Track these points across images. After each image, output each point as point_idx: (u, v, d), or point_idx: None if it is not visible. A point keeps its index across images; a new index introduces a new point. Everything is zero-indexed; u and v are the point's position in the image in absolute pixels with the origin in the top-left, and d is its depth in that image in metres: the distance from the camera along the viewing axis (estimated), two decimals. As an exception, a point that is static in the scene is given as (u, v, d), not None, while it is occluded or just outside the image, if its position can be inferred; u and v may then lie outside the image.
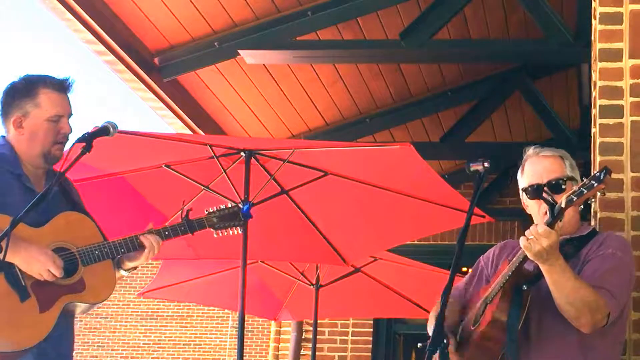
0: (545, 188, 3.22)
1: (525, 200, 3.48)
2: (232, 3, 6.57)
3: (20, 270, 3.35)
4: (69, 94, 3.59)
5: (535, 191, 3.38)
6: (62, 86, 3.57)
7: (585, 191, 3.03)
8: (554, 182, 3.37)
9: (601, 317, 3.19)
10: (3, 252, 3.13)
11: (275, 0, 6.67)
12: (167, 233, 3.66)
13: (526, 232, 3.12)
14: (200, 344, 18.94)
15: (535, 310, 3.25)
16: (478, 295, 3.46)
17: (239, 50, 6.72)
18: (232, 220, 3.91)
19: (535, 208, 3.42)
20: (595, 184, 3.02)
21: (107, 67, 6.63)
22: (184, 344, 19.01)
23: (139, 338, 19.13)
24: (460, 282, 3.65)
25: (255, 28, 6.75)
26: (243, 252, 5.15)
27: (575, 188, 3.07)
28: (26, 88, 3.53)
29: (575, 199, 3.03)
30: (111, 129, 3.51)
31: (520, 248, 3.18)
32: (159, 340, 19.08)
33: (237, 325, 5.23)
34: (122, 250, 3.54)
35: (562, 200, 3.06)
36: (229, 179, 5.26)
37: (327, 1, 6.71)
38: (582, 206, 3.23)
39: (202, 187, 5.47)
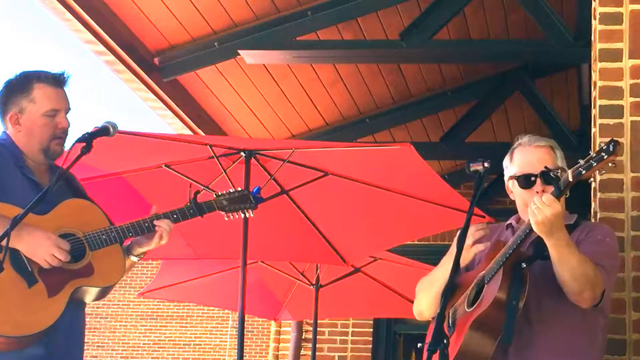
0: (547, 168, 3.14)
1: (513, 188, 3.47)
2: (232, 3, 6.56)
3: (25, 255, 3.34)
4: (65, 88, 3.57)
5: (527, 181, 3.37)
6: (57, 80, 3.55)
7: (595, 164, 2.93)
8: (548, 173, 3.31)
9: (599, 292, 3.21)
10: (3, 252, 3.12)
11: (275, 0, 6.67)
12: (175, 216, 3.63)
13: (531, 203, 3.10)
14: (200, 344, 18.94)
15: (533, 292, 3.23)
16: (467, 278, 3.43)
17: (239, 50, 6.71)
18: (243, 202, 3.88)
19: (523, 197, 3.40)
20: (605, 156, 2.92)
21: (107, 67, 6.63)
22: (184, 344, 19.01)
23: (139, 338, 19.13)
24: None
25: (255, 28, 6.75)
26: (243, 252, 5.16)
27: (581, 161, 2.97)
28: (21, 84, 3.52)
29: (583, 172, 2.96)
30: (111, 129, 3.51)
31: (519, 227, 3.20)
32: (159, 340, 19.08)
33: (237, 325, 5.23)
34: (130, 233, 3.53)
35: (568, 172, 3.01)
36: (229, 179, 5.26)
37: (327, 1, 6.70)
38: (567, 194, 3.23)
39: (202, 187, 5.46)
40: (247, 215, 3.93)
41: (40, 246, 3.32)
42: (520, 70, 8.08)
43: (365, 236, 6.01)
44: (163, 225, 3.58)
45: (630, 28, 4.12)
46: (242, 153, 5.25)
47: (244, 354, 5.57)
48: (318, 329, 8.05)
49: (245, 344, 5.92)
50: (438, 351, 2.93)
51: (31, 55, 35.60)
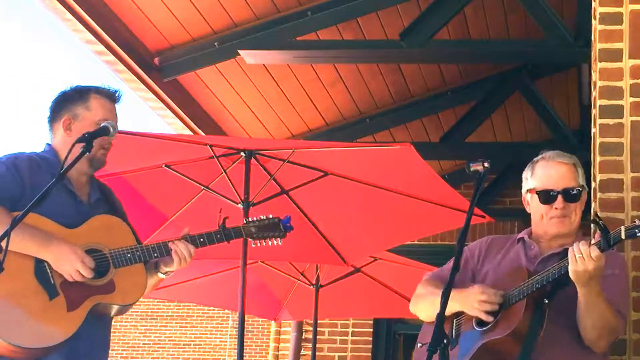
0: (597, 216, 3.16)
1: (531, 201, 3.49)
2: (232, 3, 6.56)
3: (50, 267, 3.40)
4: (117, 105, 3.68)
5: (548, 196, 3.40)
6: (112, 96, 3.67)
7: None
8: (570, 191, 3.41)
9: (614, 339, 3.30)
10: (3, 252, 3.12)
11: (275, 0, 6.67)
12: (202, 240, 3.68)
13: (575, 248, 3.11)
14: (200, 344, 18.95)
15: (548, 321, 3.28)
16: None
17: (239, 50, 6.72)
18: (272, 231, 3.92)
19: (541, 211, 3.43)
20: None
21: (107, 67, 6.62)
22: (184, 344, 19.02)
23: (139, 338, 19.13)
24: (444, 268, 3.66)
25: (255, 28, 6.75)
26: (243, 252, 5.15)
27: (638, 222, 3.00)
28: (78, 93, 3.63)
29: (639, 234, 2.99)
30: (111, 129, 3.52)
31: (553, 266, 3.20)
32: (159, 340, 19.09)
33: (237, 325, 5.23)
34: (155, 254, 3.57)
35: (622, 230, 3.03)
36: (229, 179, 5.26)
37: (327, 1, 6.70)
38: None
39: (202, 187, 5.47)
40: (275, 243, 3.95)
41: (68, 260, 3.38)
42: (520, 70, 8.08)
43: (365, 236, 6.01)
44: (181, 249, 3.59)
45: (630, 28, 4.12)
46: (242, 153, 5.25)
47: (244, 354, 5.57)
48: (318, 329, 8.05)
49: (245, 344, 5.92)
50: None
51: (31, 55, 35.61)
